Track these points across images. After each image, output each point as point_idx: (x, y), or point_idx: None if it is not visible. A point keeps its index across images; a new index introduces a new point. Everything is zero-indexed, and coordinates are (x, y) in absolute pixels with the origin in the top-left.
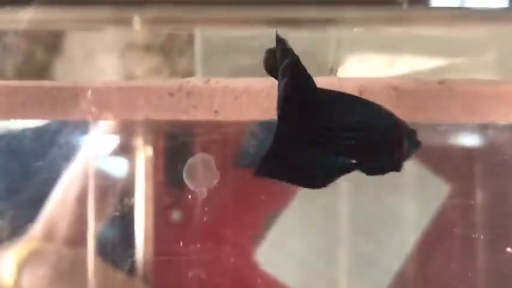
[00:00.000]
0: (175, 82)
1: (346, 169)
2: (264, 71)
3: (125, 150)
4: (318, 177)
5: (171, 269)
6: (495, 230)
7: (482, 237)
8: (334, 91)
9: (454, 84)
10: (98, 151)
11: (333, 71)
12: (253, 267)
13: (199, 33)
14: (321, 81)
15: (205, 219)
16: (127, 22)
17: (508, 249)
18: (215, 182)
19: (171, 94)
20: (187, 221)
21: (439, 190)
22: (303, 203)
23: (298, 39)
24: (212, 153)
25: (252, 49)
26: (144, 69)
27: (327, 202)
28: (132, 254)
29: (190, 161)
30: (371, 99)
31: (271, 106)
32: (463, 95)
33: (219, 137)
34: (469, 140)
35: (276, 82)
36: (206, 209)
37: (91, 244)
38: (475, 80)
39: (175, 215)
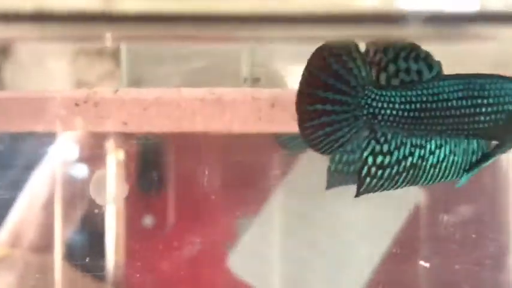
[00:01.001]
0: (82, 92)
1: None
2: (185, 80)
3: (96, 154)
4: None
5: (142, 274)
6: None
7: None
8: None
9: None
10: (65, 157)
11: (246, 81)
12: (225, 273)
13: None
14: (233, 92)
15: (177, 225)
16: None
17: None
18: (123, 195)
19: (77, 105)
20: (158, 227)
21: (412, 198)
22: (275, 210)
23: (212, 50)
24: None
25: (179, 59)
26: (95, 75)
27: (299, 208)
28: (102, 260)
29: (96, 175)
30: (283, 111)
31: (181, 117)
32: None
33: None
34: None
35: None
36: (178, 214)
37: (58, 250)
38: None
39: (147, 221)
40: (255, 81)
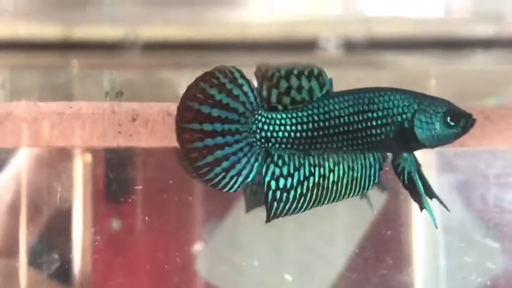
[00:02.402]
0: None
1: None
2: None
3: (62, 158)
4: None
5: (109, 279)
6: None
7: None
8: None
9: None
10: (29, 163)
11: (108, 95)
12: (193, 276)
13: None
14: (92, 106)
15: (145, 228)
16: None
17: None
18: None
19: None
20: (126, 231)
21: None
22: (242, 214)
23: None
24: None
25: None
26: None
27: (265, 212)
28: (68, 264)
29: None
30: (145, 125)
31: (35, 132)
32: None
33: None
34: None
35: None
36: (146, 218)
37: (23, 255)
38: None
39: (115, 224)
40: (118, 95)
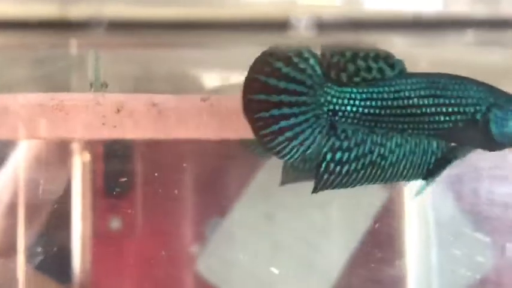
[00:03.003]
0: None
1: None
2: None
3: (61, 156)
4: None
5: (108, 278)
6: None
7: None
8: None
9: (216, 101)
10: (27, 160)
11: (92, 86)
12: (193, 275)
13: None
14: (76, 98)
15: (145, 227)
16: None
17: None
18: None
19: None
20: (126, 230)
21: (377, 198)
22: (243, 211)
23: (60, 55)
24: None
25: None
26: None
27: (267, 210)
28: (68, 264)
29: None
30: (130, 116)
31: (19, 124)
32: (224, 112)
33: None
34: None
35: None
36: (146, 217)
37: (21, 255)
38: (238, 96)
39: (114, 224)
40: (102, 87)
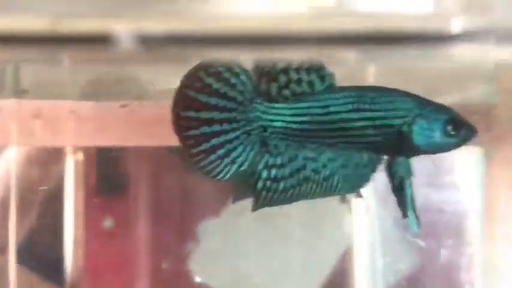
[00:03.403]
0: None
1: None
2: None
3: (53, 154)
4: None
5: (100, 278)
6: None
7: None
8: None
9: (136, 108)
10: (20, 159)
11: (24, 91)
12: (186, 275)
13: None
14: None
15: (138, 228)
16: None
17: None
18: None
19: None
20: (119, 229)
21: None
22: (235, 213)
23: None
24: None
25: None
26: None
27: (260, 210)
28: (60, 263)
29: None
30: (49, 122)
31: None
32: (144, 119)
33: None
34: None
35: None
36: (139, 217)
37: (12, 254)
38: (159, 103)
39: (107, 223)
40: (22, 93)
